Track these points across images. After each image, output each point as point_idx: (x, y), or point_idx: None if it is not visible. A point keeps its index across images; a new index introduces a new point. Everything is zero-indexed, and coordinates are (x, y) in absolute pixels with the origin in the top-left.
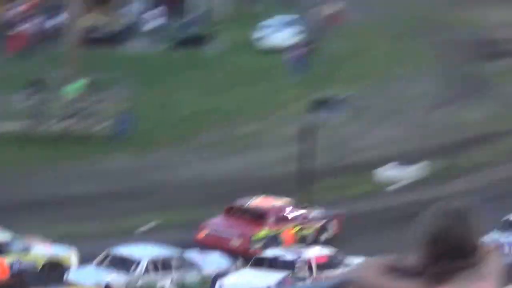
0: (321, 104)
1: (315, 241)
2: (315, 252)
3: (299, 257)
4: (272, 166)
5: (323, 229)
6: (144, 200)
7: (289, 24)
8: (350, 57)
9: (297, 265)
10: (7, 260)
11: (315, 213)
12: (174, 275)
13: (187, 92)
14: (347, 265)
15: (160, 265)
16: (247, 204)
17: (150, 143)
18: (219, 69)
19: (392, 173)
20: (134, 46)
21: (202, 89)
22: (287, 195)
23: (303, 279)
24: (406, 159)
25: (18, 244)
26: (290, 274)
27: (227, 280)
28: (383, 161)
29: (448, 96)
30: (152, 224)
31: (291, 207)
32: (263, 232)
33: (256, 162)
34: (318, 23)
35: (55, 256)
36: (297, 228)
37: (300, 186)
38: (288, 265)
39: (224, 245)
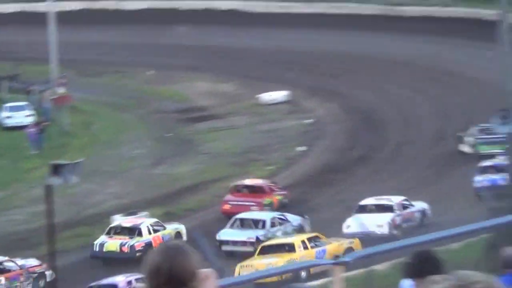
0: (59, 169)
1: (284, 204)
2: (398, 198)
3: (393, 202)
4: (23, 223)
5: (285, 196)
6: None
7: (26, 106)
8: (81, 129)
9: (395, 208)
10: (161, 235)
11: (279, 186)
12: (281, 228)
13: None
14: (413, 206)
15: (274, 223)
16: (246, 183)
17: None
18: None
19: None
20: None
21: None
22: (40, 245)
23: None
24: (133, 209)
25: (161, 226)
26: (395, 215)
27: (349, 222)
28: (114, 213)
29: (162, 156)
30: None
31: (269, 183)
32: (267, 199)
33: (9, 221)
34: (49, 104)
35: (178, 229)
36: (277, 196)
37: (48, 237)
38: (389, 209)
39: (247, 211)
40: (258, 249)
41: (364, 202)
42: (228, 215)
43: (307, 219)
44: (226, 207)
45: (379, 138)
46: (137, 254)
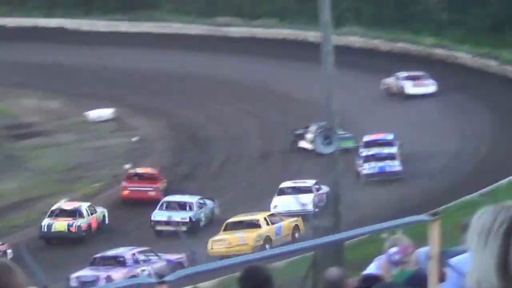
0: None
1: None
2: (312, 181)
3: (311, 184)
4: None
5: (166, 183)
6: None
7: None
8: None
9: (312, 189)
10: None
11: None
12: (203, 210)
13: None
14: (322, 188)
15: (199, 205)
16: (137, 171)
17: None
18: None
19: None
20: None
21: None
22: None
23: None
24: None
25: (93, 209)
26: (315, 195)
27: (275, 202)
28: None
29: None
30: None
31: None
32: (162, 185)
33: None
34: None
35: (103, 212)
36: (164, 183)
37: None
38: (309, 190)
39: (145, 196)
40: (223, 226)
41: (283, 185)
42: (127, 200)
43: (216, 202)
44: (126, 192)
45: (206, 155)
46: (83, 234)
